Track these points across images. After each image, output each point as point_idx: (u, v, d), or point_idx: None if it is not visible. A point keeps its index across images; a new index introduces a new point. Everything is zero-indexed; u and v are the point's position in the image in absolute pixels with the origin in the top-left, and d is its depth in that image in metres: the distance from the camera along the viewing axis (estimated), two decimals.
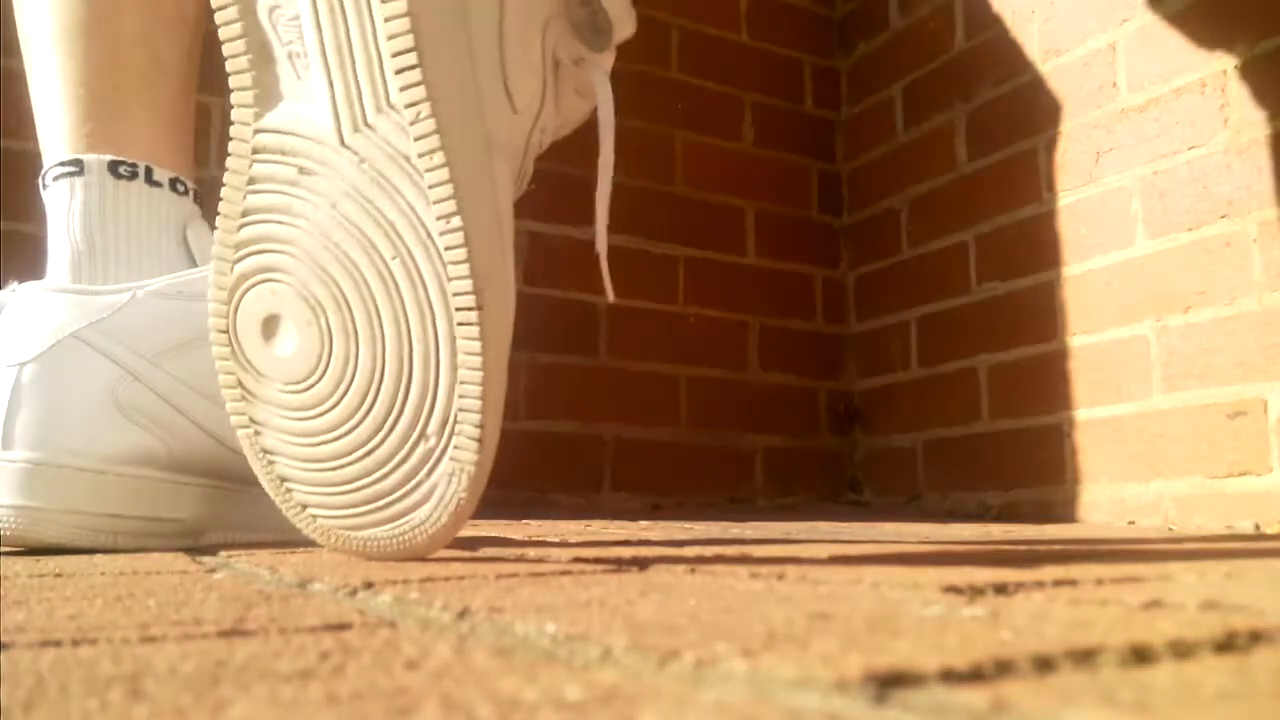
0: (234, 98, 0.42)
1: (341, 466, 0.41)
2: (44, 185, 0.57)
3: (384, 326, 0.40)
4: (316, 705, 0.15)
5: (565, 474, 1.28)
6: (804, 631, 0.20)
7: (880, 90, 1.48)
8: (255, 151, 0.42)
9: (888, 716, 0.14)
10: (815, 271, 1.51)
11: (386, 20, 0.40)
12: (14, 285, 0.56)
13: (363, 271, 0.40)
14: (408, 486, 0.40)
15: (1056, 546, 0.53)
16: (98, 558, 0.47)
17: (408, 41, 0.40)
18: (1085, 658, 0.17)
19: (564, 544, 0.56)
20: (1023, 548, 0.51)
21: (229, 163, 0.42)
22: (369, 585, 0.31)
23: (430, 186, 0.40)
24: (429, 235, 0.40)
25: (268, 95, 0.42)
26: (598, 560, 0.43)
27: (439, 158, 0.40)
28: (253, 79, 0.42)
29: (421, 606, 0.26)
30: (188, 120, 0.62)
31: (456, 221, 0.40)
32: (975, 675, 0.16)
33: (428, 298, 0.40)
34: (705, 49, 1.47)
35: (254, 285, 0.42)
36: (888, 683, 0.15)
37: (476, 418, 0.39)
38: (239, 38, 0.42)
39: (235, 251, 0.42)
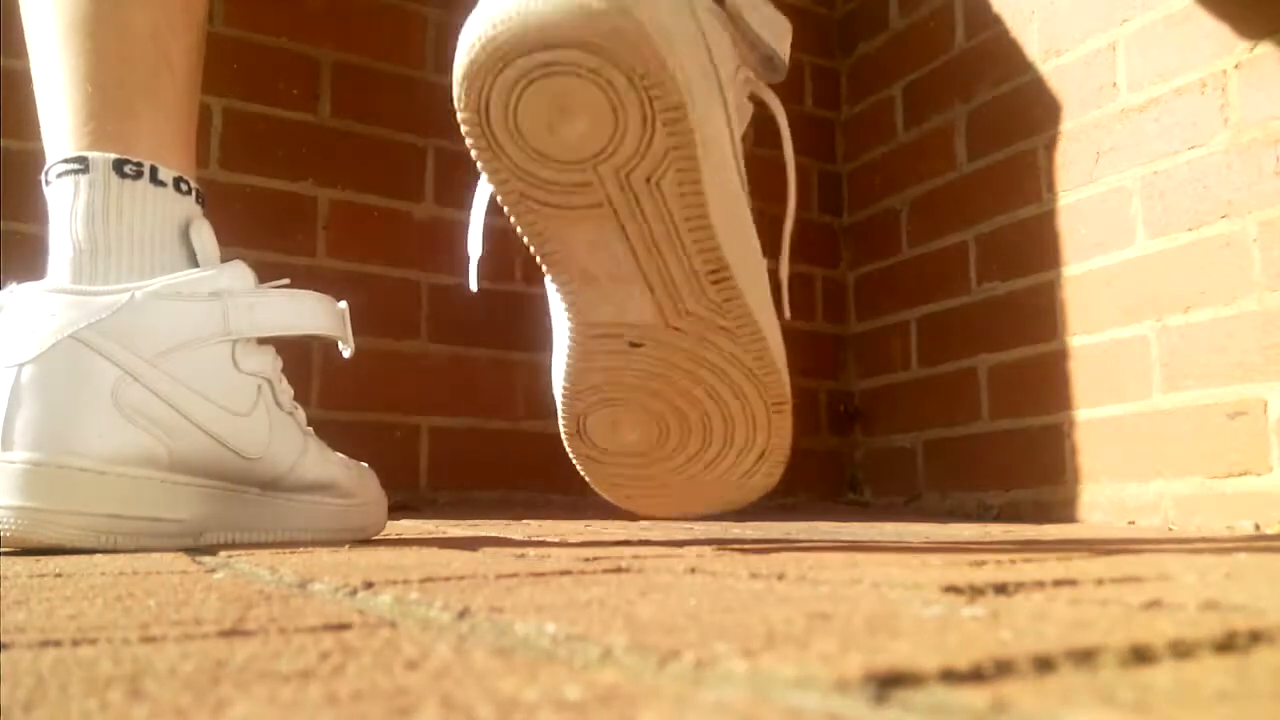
0: (564, 300, 0.53)
1: (668, 485, 0.58)
2: (47, 182, 0.57)
3: (713, 421, 0.55)
4: (316, 705, 0.15)
5: (565, 474, 1.27)
6: (804, 631, 0.20)
7: (880, 90, 1.48)
8: (589, 337, 0.53)
9: (888, 716, 0.14)
10: (815, 271, 1.51)
11: (700, 251, 0.50)
12: (13, 286, 0.56)
13: (694, 393, 0.55)
14: (723, 490, 0.58)
15: (1056, 546, 0.53)
16: (98, 558, 0.47)
17: (720, 260, 0.50)
18: (1085, 658, 0.17)
19: (564, 544, 0.56)
20: (1023, 548, 0.51)
21: (571, 340, 0.54)
22: (369, 585, 0.31)
23: (749, 343, 0.53)
24: (749, 370, 0.53)
25: (594, 303, 0.53)
26: (598, 560, 0.43)
27: (753, 326, 0.52)
28: (577, 296, 0.52)
29: (421, 606, 0.26)
30: (192, 117, 0.62)
31: (768, 359, 0.53)
32: (975, 675, 0.16)
33: (749, 405, 0.55)
34: None
35: (599, 408, 0.56)
36: (888, 683, 0.15)
37: (783, 455, 0.57)
38: (561, 266, 0.52)
39: (580, 393, 0.55)
